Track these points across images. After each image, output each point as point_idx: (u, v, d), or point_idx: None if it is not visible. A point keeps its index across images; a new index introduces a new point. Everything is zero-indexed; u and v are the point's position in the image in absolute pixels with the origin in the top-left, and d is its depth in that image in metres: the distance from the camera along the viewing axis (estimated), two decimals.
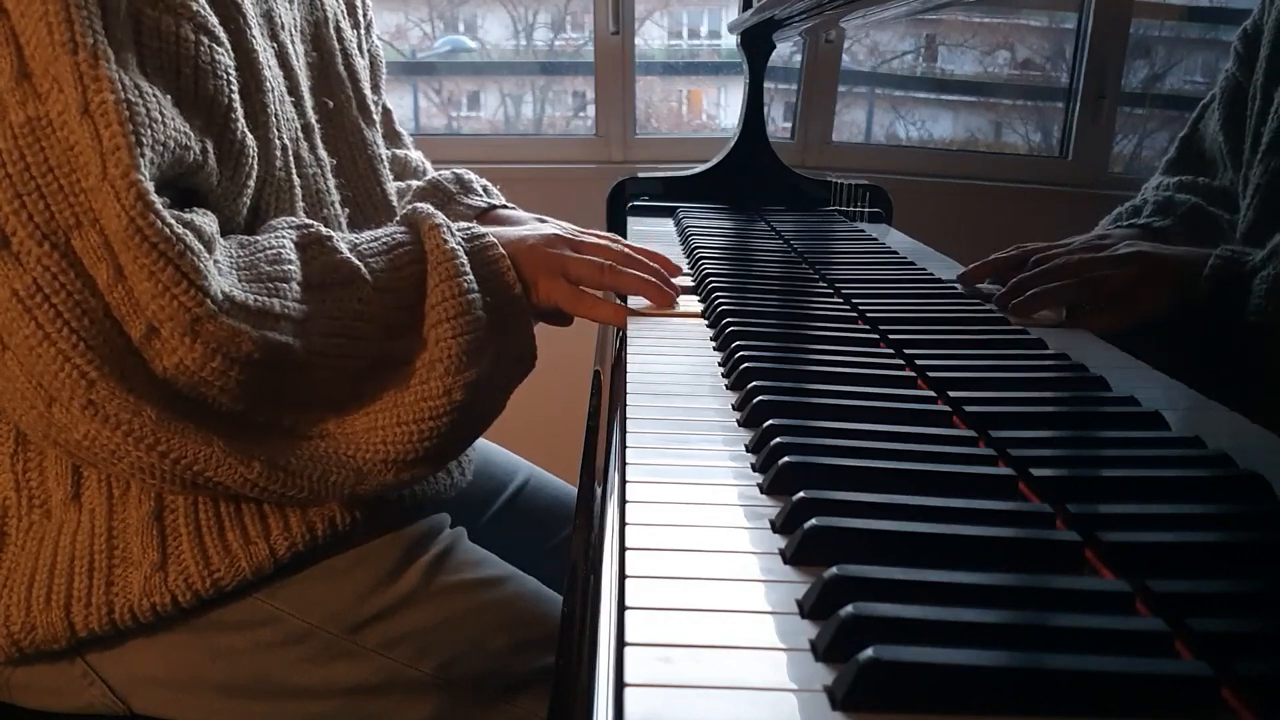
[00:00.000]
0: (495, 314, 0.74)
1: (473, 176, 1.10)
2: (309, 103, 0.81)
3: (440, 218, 0.75)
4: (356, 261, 0.70)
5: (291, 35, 0.81)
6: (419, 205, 0.77)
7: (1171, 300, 0.62)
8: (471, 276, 0.72)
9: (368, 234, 0.74)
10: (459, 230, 0.76)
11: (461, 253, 0.73)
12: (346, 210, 0.85)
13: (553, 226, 0.87)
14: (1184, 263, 0.60)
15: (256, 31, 0.72)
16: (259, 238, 0.68)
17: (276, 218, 0.73)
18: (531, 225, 0.87)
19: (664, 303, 0.83)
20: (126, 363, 0.60)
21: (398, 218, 0.77)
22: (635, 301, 0.85)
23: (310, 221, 0.72)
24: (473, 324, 0.71)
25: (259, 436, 0.66)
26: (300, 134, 0.78)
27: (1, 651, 0.71)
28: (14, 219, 0.58)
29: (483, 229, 0.78)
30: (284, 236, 0.68)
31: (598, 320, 0.85)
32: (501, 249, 0.77)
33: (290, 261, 0.66)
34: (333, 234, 0.71)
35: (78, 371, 0.59)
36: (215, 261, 0.62)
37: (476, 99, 2.50)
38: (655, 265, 0.87)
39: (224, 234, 0.67)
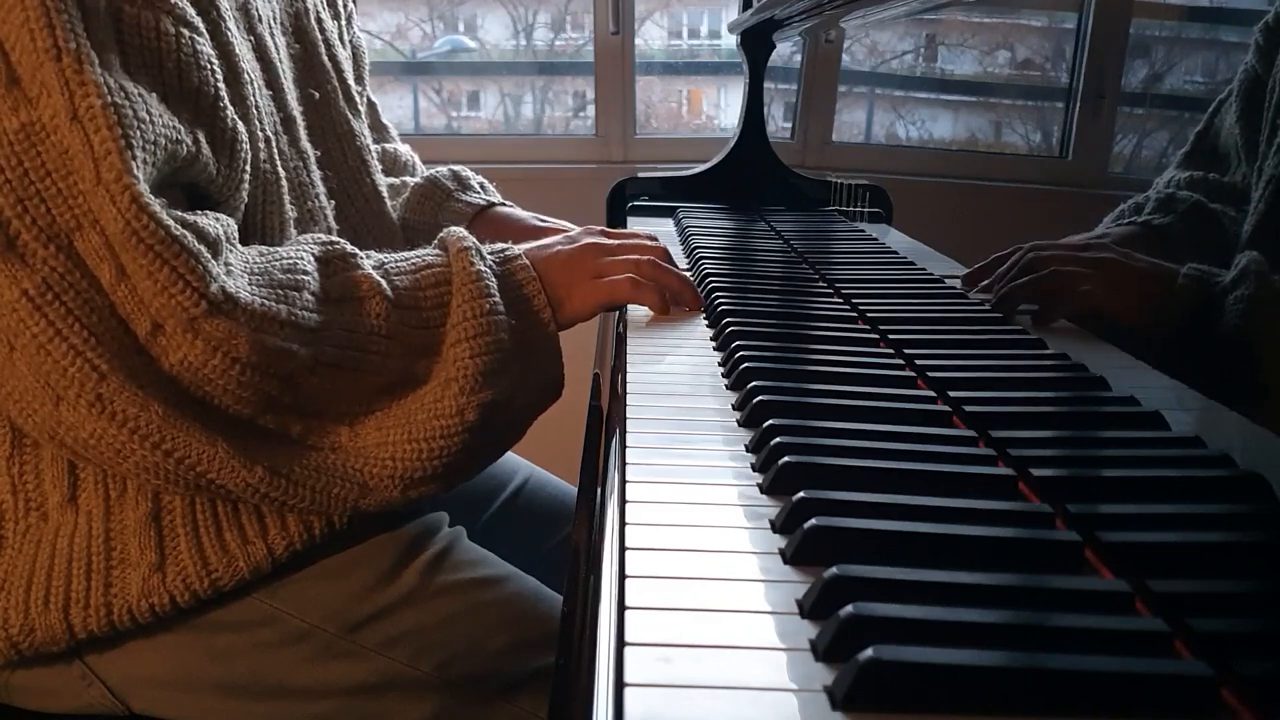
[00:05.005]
0: (521, 337, 0.72)
1: (469, 173, 1.10)
2: (291, 95, 0.81)
3: (470, 240, 0.74)
4: (379, 278, 0.70)
5: (270, 28, 0.80)
6: (453, 229, 0.76)
7: (1140, 311, 0.62)
8: (498, 298, 0.71)
9: (399, 254, 0.74)
10: (490, 252, 0.75)
11: (490, 275, 0.72)
12: (333, 202, 0.85)
13: (589, 236, 0.84)
14: (1151, 277, 0.61)
15: (232, 25, 0.72)
16: (280, 248, 0.69)
17: (268, 213, 0.73)
18: (563, 237, 0.83)
19: (697, 305, 0.84)
20: (134, 359, 0.60)
21: (435, 240, 0.76)
22: (642, 311, 0.84)
23: (338, 239, 0.72)
24: (494, 345, 0.70)
25: (265, 442, 0.66)
26: (280, 127, 0.78)
27: (0, 654, 0.71)
28: (17, 222, 0.58)
29: (516, 249, 0.77)
30: (305, 249, 0.69)
31: (648, 306, 0.82)
32: (534, 271, 0.75)
33: (306, 272, 0.66)
34: (358, 252, 0.71)
35: (89, 365, 0.59)
36: (226, 263, 0.62)
37: (476, 99, 2.50)
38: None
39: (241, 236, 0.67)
